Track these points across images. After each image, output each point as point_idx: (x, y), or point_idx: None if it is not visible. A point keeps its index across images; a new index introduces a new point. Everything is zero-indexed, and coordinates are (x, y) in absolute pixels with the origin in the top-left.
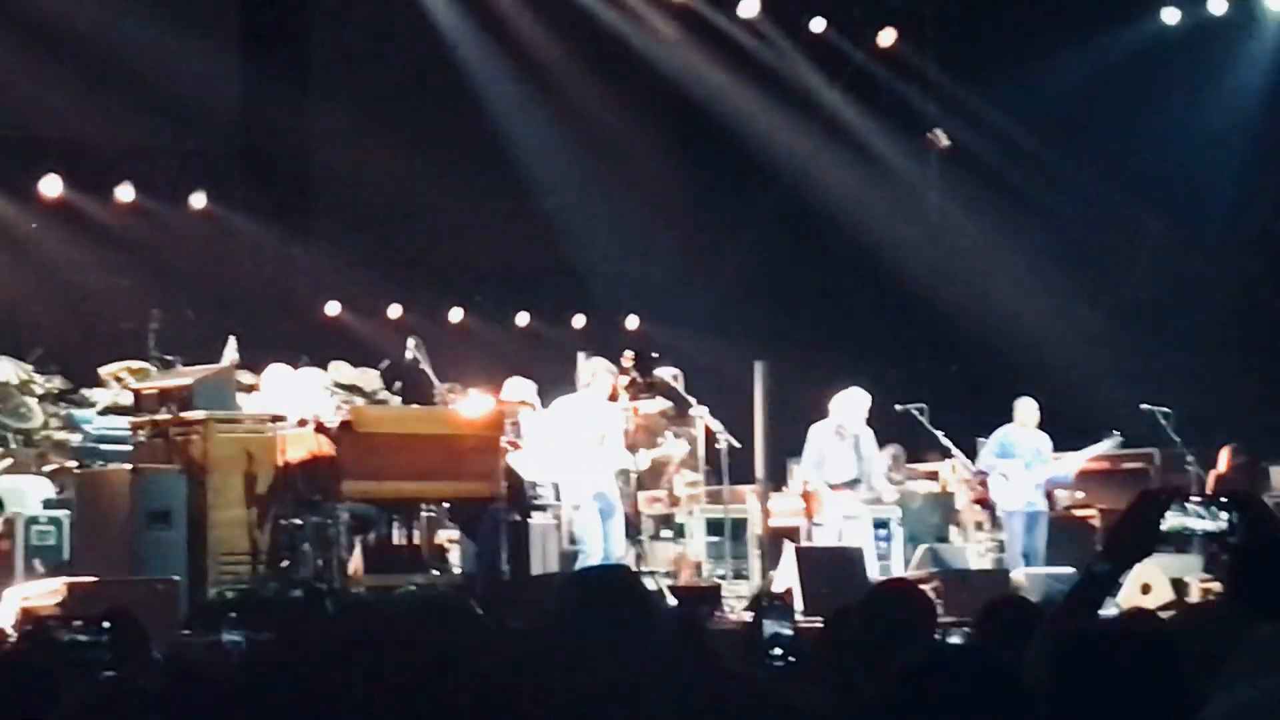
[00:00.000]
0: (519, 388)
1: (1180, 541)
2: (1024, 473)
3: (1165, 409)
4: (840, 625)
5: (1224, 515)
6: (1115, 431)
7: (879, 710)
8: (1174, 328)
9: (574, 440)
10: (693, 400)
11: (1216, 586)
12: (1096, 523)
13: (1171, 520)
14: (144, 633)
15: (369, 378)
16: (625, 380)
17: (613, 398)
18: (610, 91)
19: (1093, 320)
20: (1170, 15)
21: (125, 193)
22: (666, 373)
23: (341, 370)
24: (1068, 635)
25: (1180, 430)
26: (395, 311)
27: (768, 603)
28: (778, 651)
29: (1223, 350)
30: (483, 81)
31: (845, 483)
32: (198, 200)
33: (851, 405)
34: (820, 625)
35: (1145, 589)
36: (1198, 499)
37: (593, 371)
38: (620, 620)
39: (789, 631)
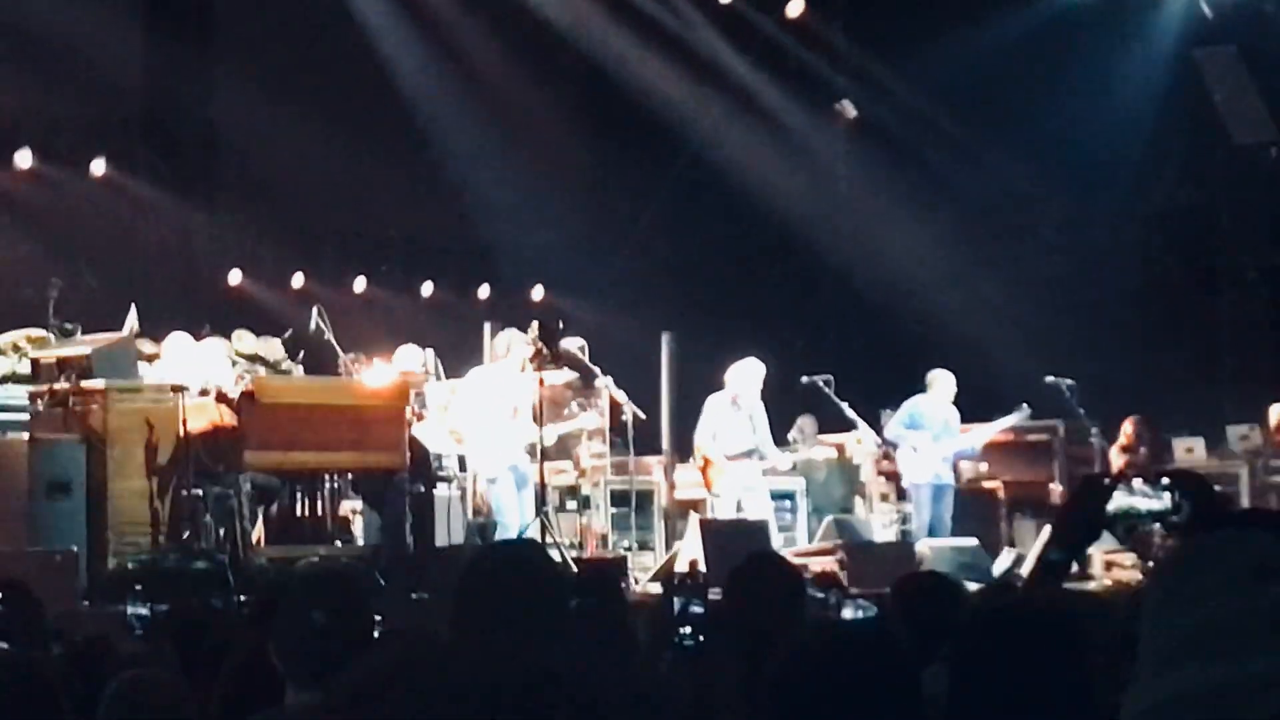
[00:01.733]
0: (410, 356)
1: (1128, 522)
2: (932, 445)
3: (1069, 381)
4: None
5: (1167, 495)
6: (1024, 404)
7: (766, 692)
8: (1077, 301)
9: (489, 412)
10: (598, 371)
11: (1122, 558)
12: (1001, 494)
13: (1117, 501)
14: (38, 604)
15: (272, 347)
16: (530, 351)
17: (521, 369)
18: (517, 60)
19: (997, 293)
20: None
21: (24, 159)
22: (572, 344)
23: (244, 339)
24: (975, 614)
25: (1084, 403)
26: (298, 280)
27: (678, 579)
28: (687, 630)
29: (1125, 324)
30: (388, 50)
31: (741, 453)
32: (98, 167)
33: (746, 376)
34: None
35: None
36: (1141, 479)
37: (508, 343)
38: (527, 595)
39: (700, 609)
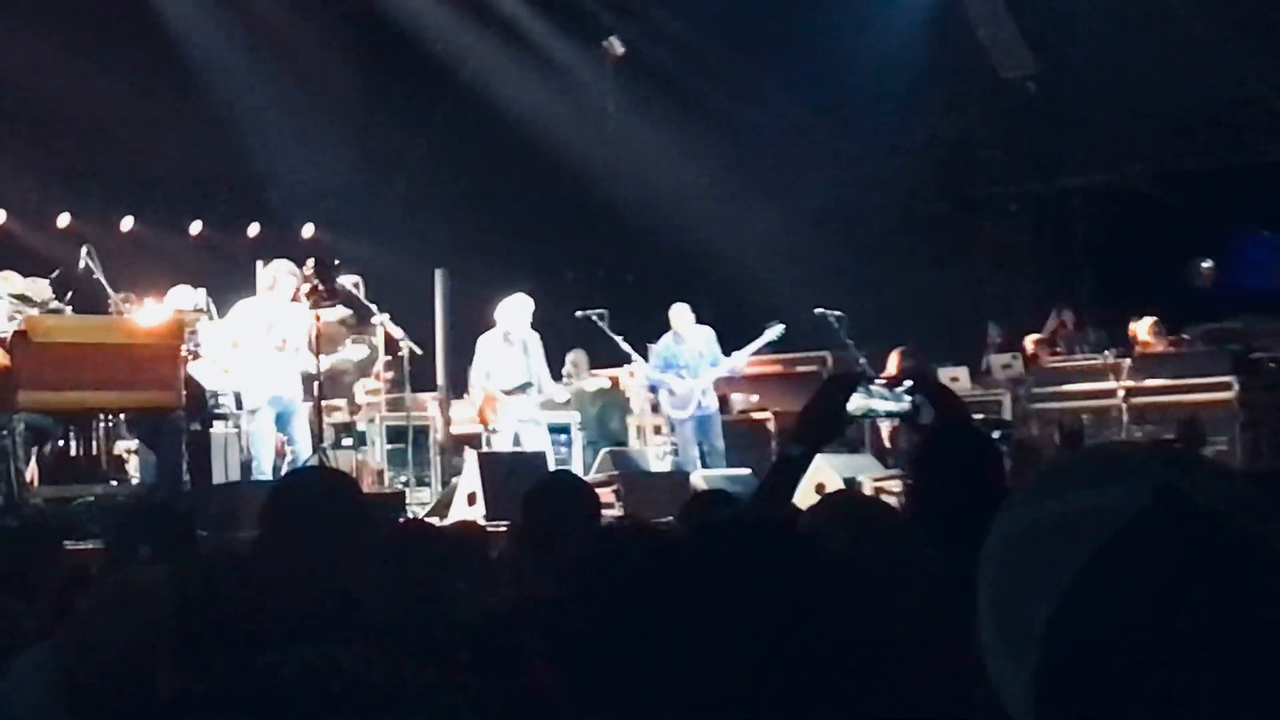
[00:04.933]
0: (183, 296)
1: (867, 419)
2: (689, 380)
3: (838, 313)
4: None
5: (907, 397)
6: (776, 322)
7: (556, 600)
8: (845, 232)
9: (254, 344)
10: (374, 308)
11: (890, 485)
12: (771, 425)
13: (856, 402)
14: None
15: (40, 287)
16: (307, 288)
17: (293, 300)
18: None
19: (768, 225)
20: None
21: None
22: (348, 280)
23: (11, 280)
24: (702, 525)
25: (852, 334)
26: (65, 220)
27: None
28: None
29: (891, 254)
30: None
31: (517, 387)
32: None
33: (515, 311)
34: (505, 528)
35: (819, 488)
36: (881, 381)
37: (274, 275)
38: (336, 517)
39: None
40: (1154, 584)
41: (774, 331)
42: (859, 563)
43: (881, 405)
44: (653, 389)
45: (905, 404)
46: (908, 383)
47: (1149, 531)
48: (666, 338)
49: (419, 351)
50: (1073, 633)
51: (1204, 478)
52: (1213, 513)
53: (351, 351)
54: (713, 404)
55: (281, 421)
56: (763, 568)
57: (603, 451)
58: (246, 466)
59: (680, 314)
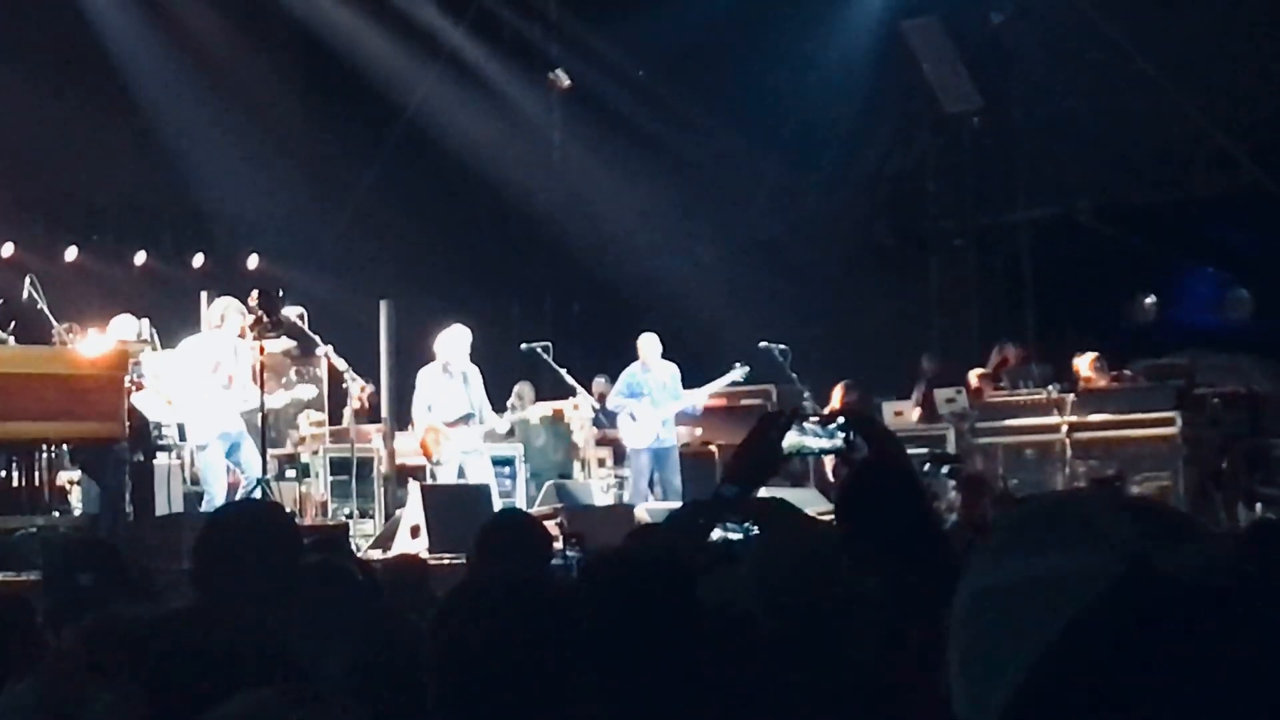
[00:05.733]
0: (125, 326)
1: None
2: (652, 410)
3: (783, 346)
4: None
5: (840, 434)
6: (740, 364)
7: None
8: (791, 265)
9: (200, 381)
10: (318, 339)
11: (832, 519)
12: (716, 458)
13: (790, 440)
14: None
15: None
16: (251, 319)
17: (239, 336)
18: (230, 24)
19: (713, 258)
20: None
21: None
22: (292, 311)
23: None
24: (596, 558)
25: (796, 367)
26: (8, 250)
27: None
28: None
29: (836, 288)
30: (97, 11)
31: (459, 419)
32: None
33: (454, 342)
34: (448, 561)
35: None
36: (815, 419)
37: (222, 312)
38: (264, 551)
39: None
40: (1122, 661)
41: (739, 373)
42: (799, 589)
43: (815, 442)
44: (609, 418)
45: (839, 440)
46: (841, 419)
47: (1119, 607)
48: (634, 366)
49: (362, 383)
50: (1039, 706)
51: (1177, 545)
52: (1184, 586)
53: (300, 391)
54: (671, 438)
55: (229, 453)
56: (642, 609)
57: (547, 484)
58: (190, 498)
59: (648, 344)
